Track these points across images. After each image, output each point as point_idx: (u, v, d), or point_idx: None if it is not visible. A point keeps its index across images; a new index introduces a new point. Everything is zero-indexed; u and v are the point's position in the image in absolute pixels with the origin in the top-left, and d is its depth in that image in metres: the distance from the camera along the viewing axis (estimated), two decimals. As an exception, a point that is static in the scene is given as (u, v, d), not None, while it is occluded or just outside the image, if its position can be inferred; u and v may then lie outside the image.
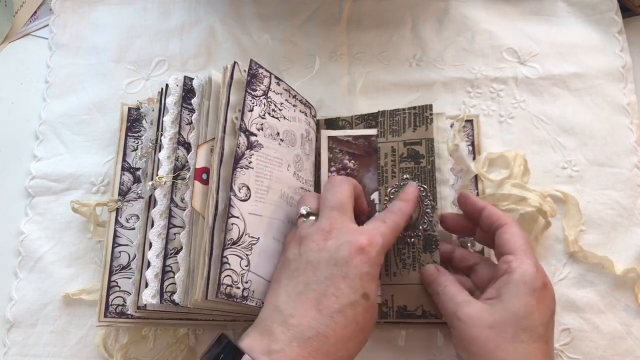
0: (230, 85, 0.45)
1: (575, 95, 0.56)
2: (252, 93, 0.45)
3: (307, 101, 0.52)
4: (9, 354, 0.50)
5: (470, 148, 0.53)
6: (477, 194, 0.51)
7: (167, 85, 0.49)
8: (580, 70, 0.56)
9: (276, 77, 0.48)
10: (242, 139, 0.44)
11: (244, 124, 0.44)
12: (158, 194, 0.46)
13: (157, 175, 0.47)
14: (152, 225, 0.46)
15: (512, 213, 0.49)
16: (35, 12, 0.63)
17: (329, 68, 0.58)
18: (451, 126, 0.53)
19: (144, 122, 0.54)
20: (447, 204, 0.49)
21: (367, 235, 0.40)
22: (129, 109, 0.55)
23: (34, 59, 0.61)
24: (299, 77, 0.56)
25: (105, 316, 0.48)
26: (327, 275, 0.38)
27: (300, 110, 0.50)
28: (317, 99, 0.55)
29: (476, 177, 0.52)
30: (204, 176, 0.45)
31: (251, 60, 0.46)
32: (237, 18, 0.61)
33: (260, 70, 0.47)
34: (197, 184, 0.45)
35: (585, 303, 0.49)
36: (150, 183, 0.47)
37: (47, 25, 0.62)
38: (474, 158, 0.53)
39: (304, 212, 0.43)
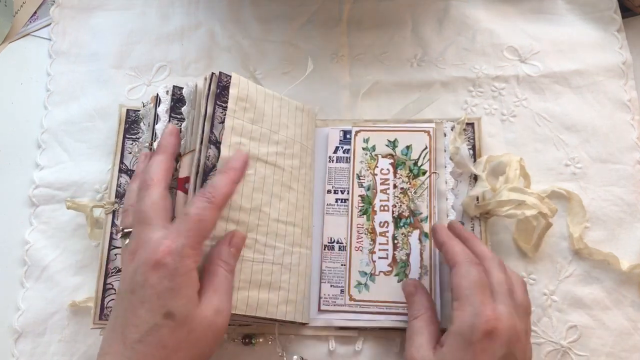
0: (208, 97, 0.45)
1: (576, 93, 0.56)
2: (223, 105, 0.45)
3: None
4: (17, 364, 0.50)
5: (471, 152, 0.53)
6: (477, 199, 0.50)
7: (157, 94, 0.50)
8: (581, 68, 0.56)
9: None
10: (212, 151, 0.44)
11: (214, 136, 0.44)
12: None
13: None
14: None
15: (512, 218, 0.48)
16: (35, 12, 0.63)
17: (330, 70, 0.58)
18: (452, 129, 0.53)
19: (142, 124, 0.54)
20: (443, 215, 0.50)
21: (165, 244, 0.37)
22: (127, 110, 0.54)
23: (34, 59, 0.61)
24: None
25: (100, 319, 0.48)
26: (126, 306, 0.37)
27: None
28: (318, 100, 0.55)
29: (476, 181, 0.51)
30: (187, 186, 0.45)
31: (220, 72, 0.46)
32: (236, 22, 0.61)
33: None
34: (180, 193, 0.45)
35: (591, 300, 0.49)
36: None
37: (47, 25, 0.62)
38: (474, 161, 0.53)
39: (119, 236, 0.42)
